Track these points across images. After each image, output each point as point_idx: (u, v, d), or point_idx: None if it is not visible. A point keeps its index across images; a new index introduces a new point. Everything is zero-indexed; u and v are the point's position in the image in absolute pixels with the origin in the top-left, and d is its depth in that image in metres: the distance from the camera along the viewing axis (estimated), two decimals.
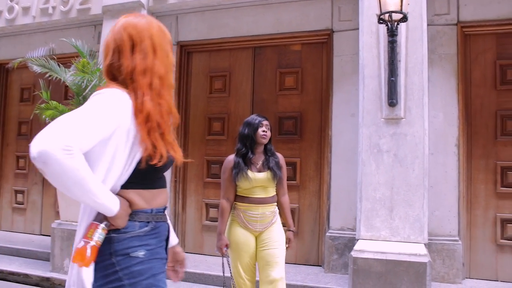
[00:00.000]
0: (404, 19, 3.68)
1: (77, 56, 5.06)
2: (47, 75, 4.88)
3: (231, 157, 3.16)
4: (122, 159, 1.40)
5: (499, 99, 4.50)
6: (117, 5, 5.53)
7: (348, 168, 4.71)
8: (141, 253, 1.43)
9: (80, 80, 4.71)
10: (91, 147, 1.31)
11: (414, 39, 4.27)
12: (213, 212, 5.40)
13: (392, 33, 3.72)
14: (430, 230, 4.40)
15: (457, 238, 4.36)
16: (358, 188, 4.28)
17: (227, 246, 3.09)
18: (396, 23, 3.69)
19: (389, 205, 4.19)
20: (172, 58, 1.62)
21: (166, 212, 1.64)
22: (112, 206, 1.36)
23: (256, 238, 3.10)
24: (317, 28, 5.01)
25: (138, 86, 1.46)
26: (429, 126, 4.42)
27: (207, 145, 5.50)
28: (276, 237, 3.12)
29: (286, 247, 3.18)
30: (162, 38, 1.57)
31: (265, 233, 3.10)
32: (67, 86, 5.04)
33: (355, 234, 4.40)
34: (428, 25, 4.47)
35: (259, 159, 3.15)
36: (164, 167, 1.50)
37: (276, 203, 3.20)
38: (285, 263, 3.13)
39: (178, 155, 1.60)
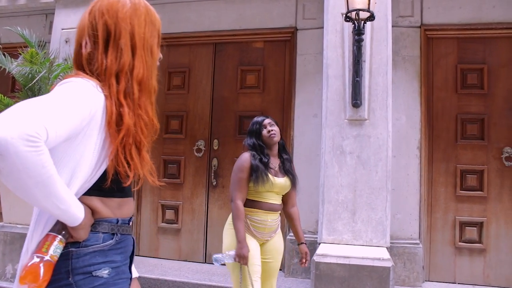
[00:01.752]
0: (371, 17, 3.60)
1: (25, 46, 4.68)
2: None
3: (247, 156, 2.83)
4: (91, 162, 1.16)
5: (459, 102, 4.52)
6: None
7: (310, 170, 4.60)
8: (105, 272, 1.19)
9: (28, 71, 4.36)
10: (58, 142, 1.05)
11: (379, 39, 4.21)
12: (169, 214, 5.15)
13: (359, 32, 3.63)
14: (392, 233, 4.34)
15: (418, 241, 4.34)
16: (320, 190, 4.17)
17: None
18: (363, 21, 3.61)
19: (351, 208, 4.10)
20: (158, 52, 1.34)
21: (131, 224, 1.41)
22: (78, 213, 1.12)
23: (260, 246, 2.86)
24: (280, 26, 4.88)
25: (111, 92, 1.19)
26: (392, 129, 4.38)
27: (164, 144, 5.24)
28: (280, 248, 2.96)
29: (304, 262, 2.94)
30: (148, 30, 1.28)
31: (270, 243, 2.90)
32: (14, 77, 4.67)
33: (316, 238, 4.29)
34: (392, 26, 4.43)
35: (275, 161, 2.92)
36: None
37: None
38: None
39: (153, 176, 1.36)
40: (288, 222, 3.07)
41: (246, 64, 5.07)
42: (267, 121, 2.94)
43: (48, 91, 4.44)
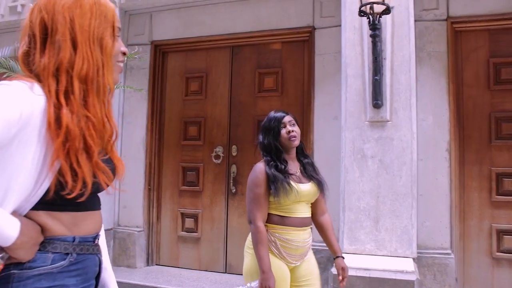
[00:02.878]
0: (387, 11, 3.35)
1: None
2: (5, 75, 4.54)
3: (261, 166, 2.40)
4: (31, 173, 1.02)
5: (493, 100, 4.16)
6: None
7: (331, 175, 4.32)
8: None
9: None
10: None
11: (400, 35, 3.94)
12: (189, 223, 5.04)
13: (374, 27, 3.38)
14: (420, 242, 4.04)
15: (449, 251, 4.01)
16: (340, 197, 3.93)
17: None
18: (378, 15, 3.36)
19: (374, 215, 3.84)
20: (116, 46, 1.20)
21: (101, 241, 1.25)
22: (8, 231, 0.98)
23: (290, 271, 2.39)
24: (297, 25, 4.67)
25: (51, 92, 1.06)
26: (417, 130, 4.08)
27: (182, 151, 5.14)
28: (316, 270, 2.48)
29: (341, 280, 2.46)
30: (96, 22, 1.14)
31: (303, 266, 2.41)
32: None
33: None
34: (415, 20, 4.14)
35: (295, 166, 2.47)
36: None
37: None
38: None
39: (119, 169, 1.22)
40: (320, 233, 2.60)
41: (264, 67, 4.90)
42: (287, 118, 2.49)
43: None
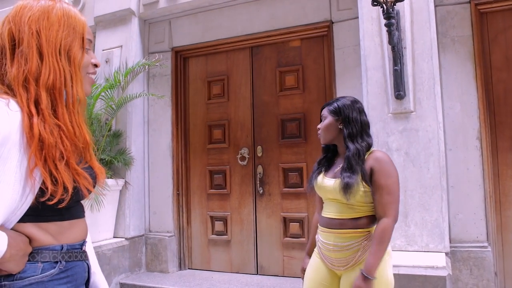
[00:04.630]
0: None
1: None
2: None
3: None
4: (14, 187, 1.04)
5: None
6: (108, 15, 5.30)
7: None
8: None
9: None
10: None
11: (420, 22, 3.81)
12: (218, 225, 5.04)
13: (388, 16, 3.26)
14: (454, 236, 3.88)
15: (485, 244, 3.81)
16: None
17: (305, 271, 2.35)
18: (392, 3, 3.24)
19: (403, 210, 3.71)
20: (86, 58, 1.22)
21: (88, 247, 1.27)
22: None
23: (339, 277, 2.18)
24: (315, 21, 4.59)
25: (23, 103, 1.09)
26: (444, 119, 3.93)
27: (208, 154, 5.16)
28: None
29: None
30: (64, 33, 1.16)
31: (347, 276, 2.11)
32: None
33: None
34: (436, 6, 3.99)
35: (341, 161, 2.23)
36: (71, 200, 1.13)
37: (367, 229, 2.11)
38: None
39: (99, 177, 1.25)
40: None
41: (284, 65, 4.84)
42: (322, 112, 2.30)
43: (90, 112, 4.51)
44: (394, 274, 3.27)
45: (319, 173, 2.27)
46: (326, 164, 2.31)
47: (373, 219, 2.13)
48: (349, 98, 2.31)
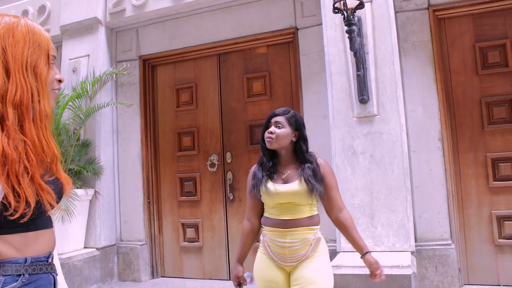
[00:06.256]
0: (361, 5, 3.33)
1: None
2: None
3: (254, 165, 2.44)
4: None
5: (482, 85, 4.09)
6: (74, 24, 5.26)
7: None
8: None
9: None
10: None
11: (381, 28, 3.92)
12: (190, 233, 5.04)
13: (349, 23, 3.35)
14: (419, 235, 3.99)
15: (449, 242, 3.94)
16: None
17: (240, 278, 2.41)
18: (352, 11, 3.34)
19: (369, 211, 3.81)
20: (51, 73, 1.23)
21: (55, 260, 1.26)
22: None
23: (289, 275, 2.31)
24: (280, 27, 4.66)
25: None
26: (407, 122, 4.05)
27: (178, 162, 5.16)
28: (312, 276, 2.22)
29: (376, 275, 2.31)
30: (29, 50, 1.16)
31: (298, 270, 2.26)
32: None
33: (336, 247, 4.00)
34: (396, 12, 4.13)
35: (287, 167, 2.35)
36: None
37: (317, 227, 2.31)
38: None
39: (66, 187, 1.26)
40: (341, 232, 2.41)
41: (251, 72, 4.90)
42: (274, 119, 2.35)
43: (57, 122, 4.44)
44: (362, 275, 3.37)
45: (266, 180, 2.33)
46: (271, 170, 2.38)
47: (318, 217, 2.36)
48: (298, 113, 2.46)
